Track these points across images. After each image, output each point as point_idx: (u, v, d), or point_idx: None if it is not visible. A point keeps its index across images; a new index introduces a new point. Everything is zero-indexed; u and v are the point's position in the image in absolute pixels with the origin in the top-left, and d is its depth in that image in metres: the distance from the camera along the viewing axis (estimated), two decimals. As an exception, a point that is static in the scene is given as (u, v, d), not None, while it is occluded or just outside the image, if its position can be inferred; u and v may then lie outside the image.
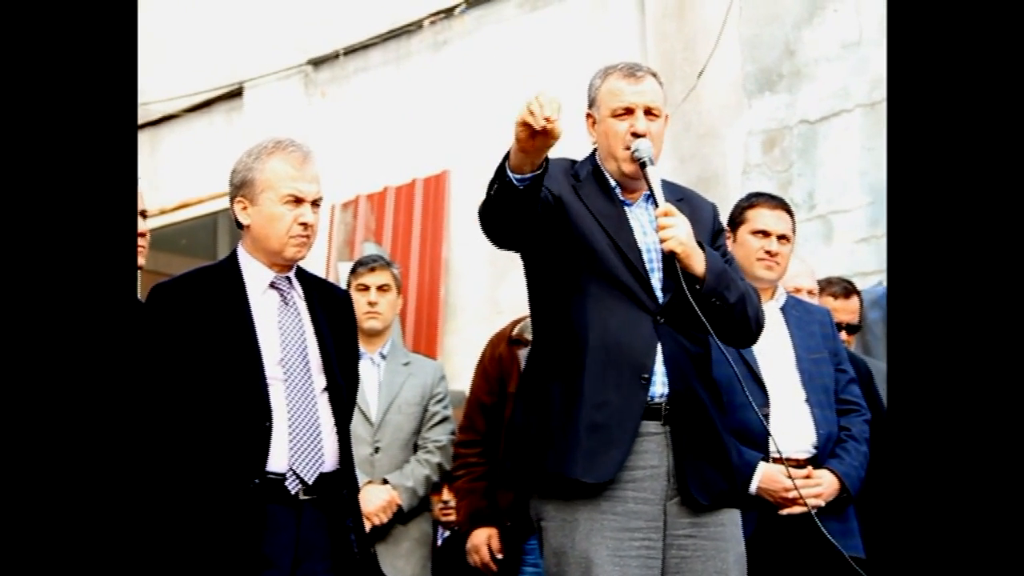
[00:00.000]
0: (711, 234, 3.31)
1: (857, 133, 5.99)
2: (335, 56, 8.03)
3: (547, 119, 2.84)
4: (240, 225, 3.23)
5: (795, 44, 6.26)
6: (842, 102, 6.06)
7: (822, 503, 3.68)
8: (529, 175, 2.92)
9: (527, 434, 3.15)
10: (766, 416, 3.60)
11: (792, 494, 3.67)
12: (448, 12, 7.53)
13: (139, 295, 3.31)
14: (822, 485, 3.73)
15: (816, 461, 3.79)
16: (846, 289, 4.93)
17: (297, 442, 3.06)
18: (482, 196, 3.04)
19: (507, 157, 2.93)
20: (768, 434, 3.59)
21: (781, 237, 3.97)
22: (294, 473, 3.05)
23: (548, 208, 3.10)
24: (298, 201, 3.15)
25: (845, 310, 4.83)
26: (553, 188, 3.14)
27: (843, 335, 4.67)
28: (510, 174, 2.91)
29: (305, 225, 3.15)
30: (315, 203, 3.18)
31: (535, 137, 2.87)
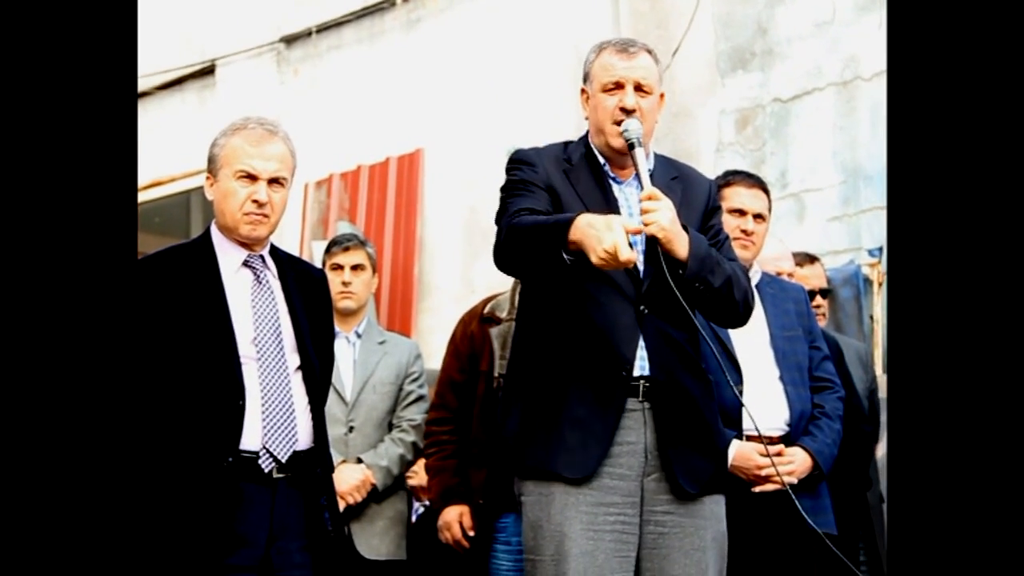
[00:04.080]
0: (703, 212, 3.29)
1: (830, 112, 6.02)
2: (308, 34, 8.01)
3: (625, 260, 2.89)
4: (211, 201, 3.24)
5: (768, 23, 6.27)
6: (815, 81, 6.09)
7: (794, 480, 3.70)
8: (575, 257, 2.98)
9: (513, 430, 3.18)
10: (740, 394, 3.62)
11: (765, 472, 3.69)
12: (421, -10, 7.52)
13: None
14: (794, 463, 3.75)
15: (789, 439, 3.81)
16: (808, 256, 4.98)
17: (270, 420, 3.06)
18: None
19: (564, 231, 2.93)
20: (742, 411, 3.60)
21: (757, 216, 3.98)
22: (267, 451, 3.05)
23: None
24: (252, 178, 3.14)
25: (814, 275, 4.87)
26: (543, 182, 3.17)
27: (818, 300, 4.71)
28: (566, 256, 2.94)
29: (258, 203, 3.14)
30: (275, 181, 3.17)
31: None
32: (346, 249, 4.78)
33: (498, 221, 3.19)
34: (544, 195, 3.15)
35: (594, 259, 2.86)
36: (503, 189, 3.24)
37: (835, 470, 3.98)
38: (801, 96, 6.13)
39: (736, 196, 3.98)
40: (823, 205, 5.99)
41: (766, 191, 4.08)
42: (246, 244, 3.20)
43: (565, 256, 2.93)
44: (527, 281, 3.32)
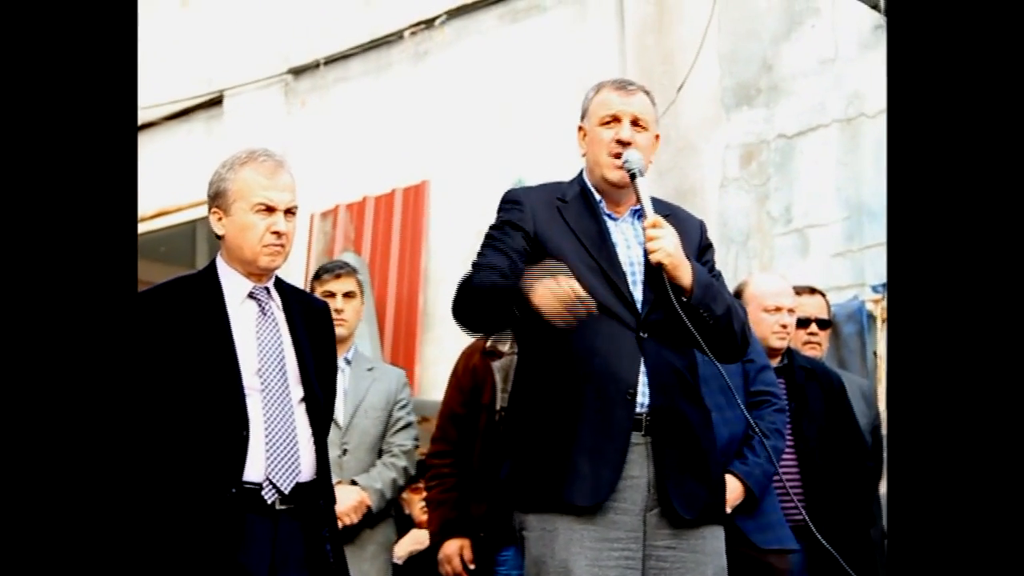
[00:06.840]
0: (697, 249, 3.33)
1: (834, 148, 6.05)
2: (315, 65, 8.05)
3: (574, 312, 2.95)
4: (218, 236, 3.25)
5: (773, 59, 6.31)
6: (819, 117, 6.12)
7: (728, 510, 3.69)
8: None
9: (513, 466, 3.18)
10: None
11: None
12: (428, 23, 7.56)
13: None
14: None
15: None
16: (810, 288, 5.01)
17: (274, 452, 3.07)
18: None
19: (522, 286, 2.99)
20: None
21: None
22: (270, 483, 3.06)
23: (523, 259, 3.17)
24: (270, 210, 3.17)
25: (812, 304, 4.88)
26: (526, 223, 3.20)
27: (813, 328, 4.72)
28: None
29: (278, 234, 3.17)
30: (289, 212, 3.20)
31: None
32: (337, 276, 4.79)
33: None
34: (520, 237, 3.18)
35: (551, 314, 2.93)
36: (489, 227, 3.29)
37: (838, 507, 3.96)
38: (805, 132, 6.16)
39: None
40: (827, 241, 6.01)
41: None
42: (253, 276, 3.22)
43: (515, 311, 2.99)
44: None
